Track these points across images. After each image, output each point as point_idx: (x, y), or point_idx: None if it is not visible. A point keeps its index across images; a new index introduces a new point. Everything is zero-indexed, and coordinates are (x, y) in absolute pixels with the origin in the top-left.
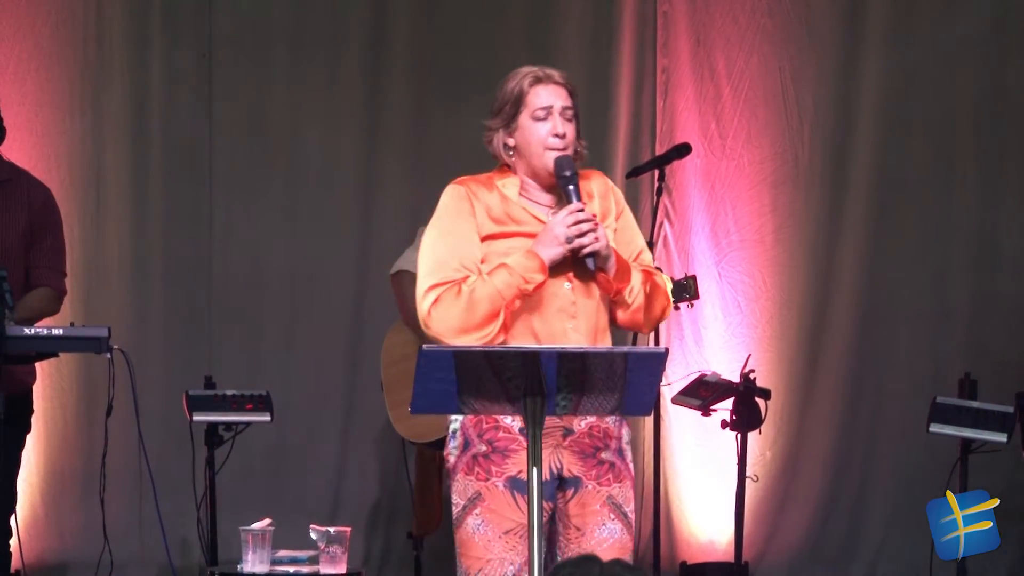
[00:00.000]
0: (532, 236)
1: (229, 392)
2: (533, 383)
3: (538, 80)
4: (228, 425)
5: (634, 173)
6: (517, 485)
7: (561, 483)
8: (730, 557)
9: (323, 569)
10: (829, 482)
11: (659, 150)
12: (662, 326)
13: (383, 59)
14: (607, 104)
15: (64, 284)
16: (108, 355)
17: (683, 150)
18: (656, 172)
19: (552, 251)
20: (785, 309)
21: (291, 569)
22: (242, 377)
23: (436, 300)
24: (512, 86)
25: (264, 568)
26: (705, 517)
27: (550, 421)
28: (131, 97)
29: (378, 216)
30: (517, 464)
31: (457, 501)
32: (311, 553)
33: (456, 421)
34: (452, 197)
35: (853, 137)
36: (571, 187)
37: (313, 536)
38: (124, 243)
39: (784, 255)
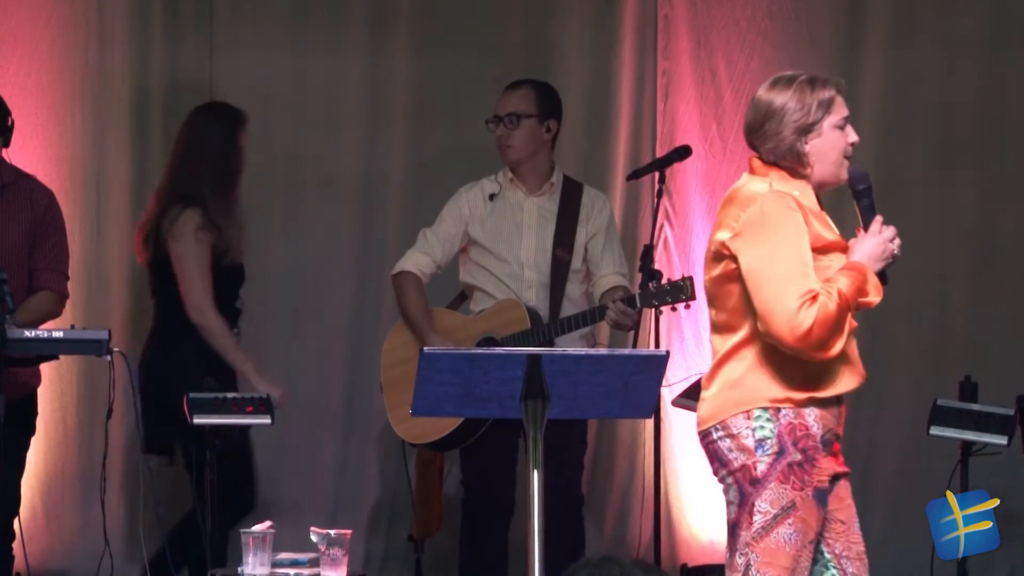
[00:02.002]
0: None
1: (230, 395)
2: (535, 385)
3: (840, 90)
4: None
5: (634, 175)
6: (820, 495)
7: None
8: None
9: (324, 572)
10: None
11: (659, 152)
12: (662, 328)
13: (383, 67)
14: (608, 107)
15: (66, 287)
16: (108, 357)
17: (683, 152)
18: (656, 174)
19: (877, 268)
20: None
21: (291, 572)
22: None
23: (812, 310)
24: (824, 94)
25: (265, 571)
26: (706, 519)
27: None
28: (132, 99)
29: (380, 216)
30: (820, 473)
31: (768, 510)
32: (312, 555)
33: (765, 428)
34: (787, 208)
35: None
36: (867, 201)
37: (313, 539)
38: (124, 246)
39: None
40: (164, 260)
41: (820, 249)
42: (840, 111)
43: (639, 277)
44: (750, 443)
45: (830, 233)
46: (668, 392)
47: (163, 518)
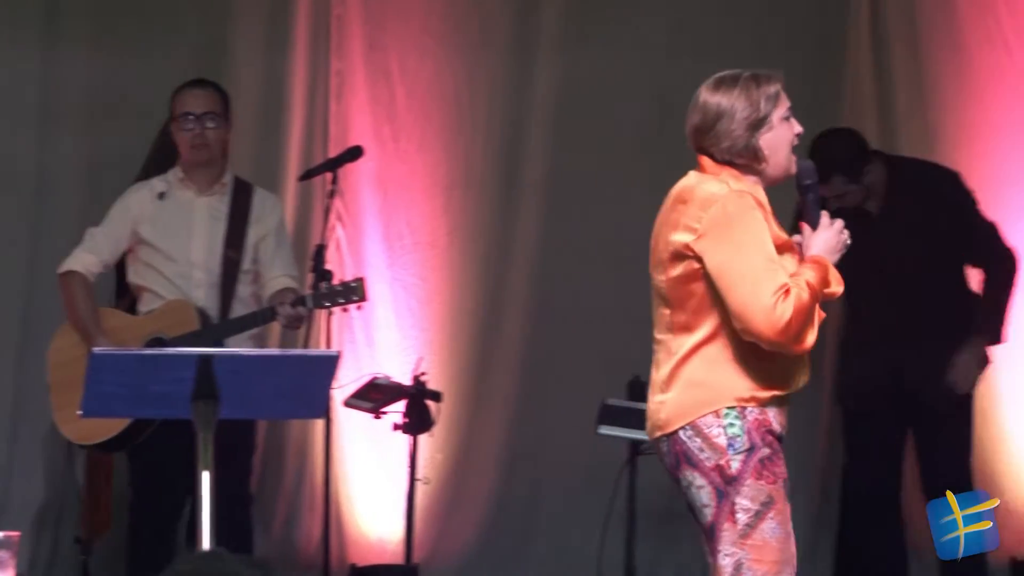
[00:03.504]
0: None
1: None
2: (205, 386)
3: (781, 82)
4: None
5: (306, 176)
6: (785, 488)
7: None
8: (401, 559)
9: None
10: (500, 484)
11: (332, 153)
12: (333, 328)
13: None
14: (280, 107)
15: None
16: None
17: (355, 153)
18: (329, 175)
19: (833, 260)
20: (457, 312)
21: None
22: None
23: (787, 303)
24: (770, 89)
25: None
26: (376, 520)
27: None
28: None
29: (52, 216)
30: (783, 468)
31: (750, 507)
32: None
33: (735, 425)
34: (749, 207)
35: (526, 140)
36: (813, 195)
37: None
38: None
39: (457, 258)
40: None
41: (777, 248)
42: (785, 103)
43: (310, 277)
44: (722, 441)
45: (782, 232)
46: (339, 393)
47: None
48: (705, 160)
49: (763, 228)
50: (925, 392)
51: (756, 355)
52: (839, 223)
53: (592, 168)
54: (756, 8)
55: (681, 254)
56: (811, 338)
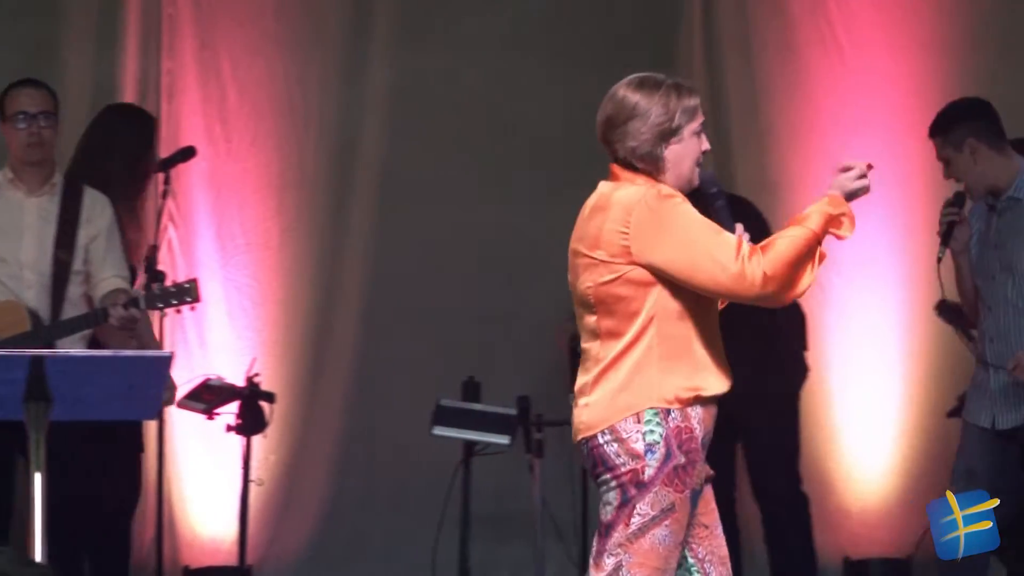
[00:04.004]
0: None
1: None
2: (37, 387)
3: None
4: None
5: None
6: (694, 496)
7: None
8: (234, 560)
9: None
10: (333, 484)
11: (164, 153)
12: (166, 329)
13: None
14: None
15: None
16: None
17: (187, 153)
18: (161, 176)
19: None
20: (290, 312)
21: None
22: None
23: (755, 259)
24: (689, 102)
25: None
26: (210, 521)
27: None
28: None
29: None
30: (698, 475)
31: (648, 512)
32: None
33: (655, 432)
34: (669, 195)
35: (359, 140)
36: (722, 202)
37: None
38: None
39: (290, 258)
40: None
41: None
42: (699, 118)
43: (142, 278)
44: (639, 447)
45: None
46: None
47: None
48: (616, 168)
49: (688, 208)
50: (749, 396)
51: (680, 358)
52: (851, 170)
53: (426, 167)
54: (588, 8)
55: (607, 260)
56: (805, 281)
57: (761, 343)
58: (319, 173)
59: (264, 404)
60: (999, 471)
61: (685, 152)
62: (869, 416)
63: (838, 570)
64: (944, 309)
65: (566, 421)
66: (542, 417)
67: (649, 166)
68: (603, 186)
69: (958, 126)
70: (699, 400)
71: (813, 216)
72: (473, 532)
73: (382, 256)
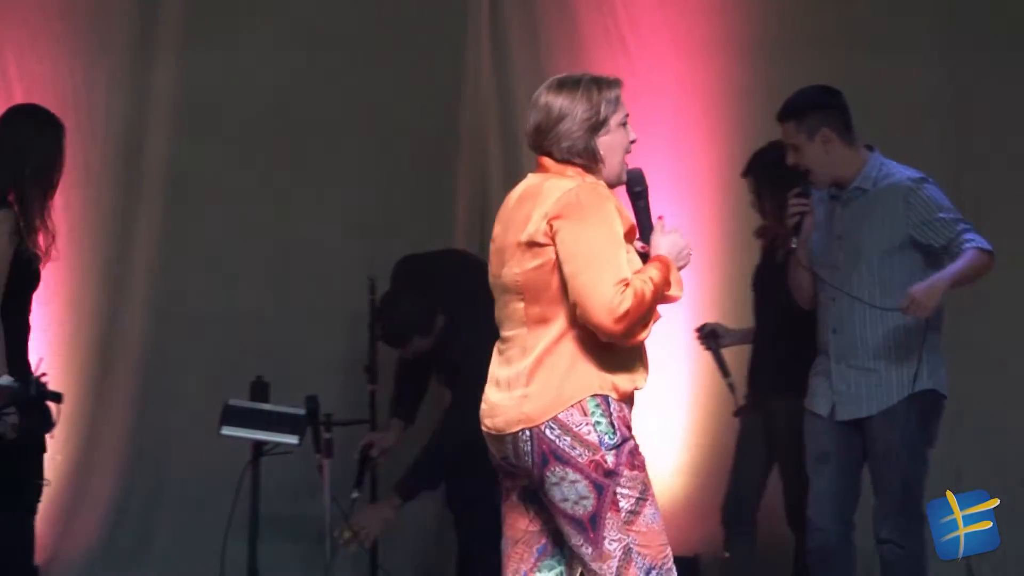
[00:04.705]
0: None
1: None
2: None
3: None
4: None
5: None
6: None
7: None
8: None
9: None
10: (122, 484)
11: None
12: None
13: None
14: None
15: None
16: None
17: None
18: None
19: (679, 266)
20: (78, 312)
21: None
22: None
23: (627, 294)
24: (610, 93)
25: None
26: None
27: None
28: None
29: None
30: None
31: (630, 495)
32: None
33: (602, 422)
34: (603, 197)
35: (146, 141)
36: (644, 202)
37: None
38: None
39: (77, 258)
40: None
41: (626, 234)
42: (623, 109)
43: None
44: (593, 438)
45: (631, 217)
46: None
47: None
48: (547, 161)
49: (615, 218)
50: None
51: (612, 350)
52: (679, 231)
53: (214, 167)
54: (375, 5)
55: (536, 243)
56: (644, 334)
57: None
58: (106, 172)
59: (51, 404)
60: (846, 447)
61: (614, 143)
62: (655, 416)
63: None
64: (705, 335)
65: (355, 420)
66: (331, 417)
67: (587, 160)
68: (532, 177)
69: (813, 113)
70: (626, 397)
71: (651, 271)
72: (263, 532)
73: (170, 256)
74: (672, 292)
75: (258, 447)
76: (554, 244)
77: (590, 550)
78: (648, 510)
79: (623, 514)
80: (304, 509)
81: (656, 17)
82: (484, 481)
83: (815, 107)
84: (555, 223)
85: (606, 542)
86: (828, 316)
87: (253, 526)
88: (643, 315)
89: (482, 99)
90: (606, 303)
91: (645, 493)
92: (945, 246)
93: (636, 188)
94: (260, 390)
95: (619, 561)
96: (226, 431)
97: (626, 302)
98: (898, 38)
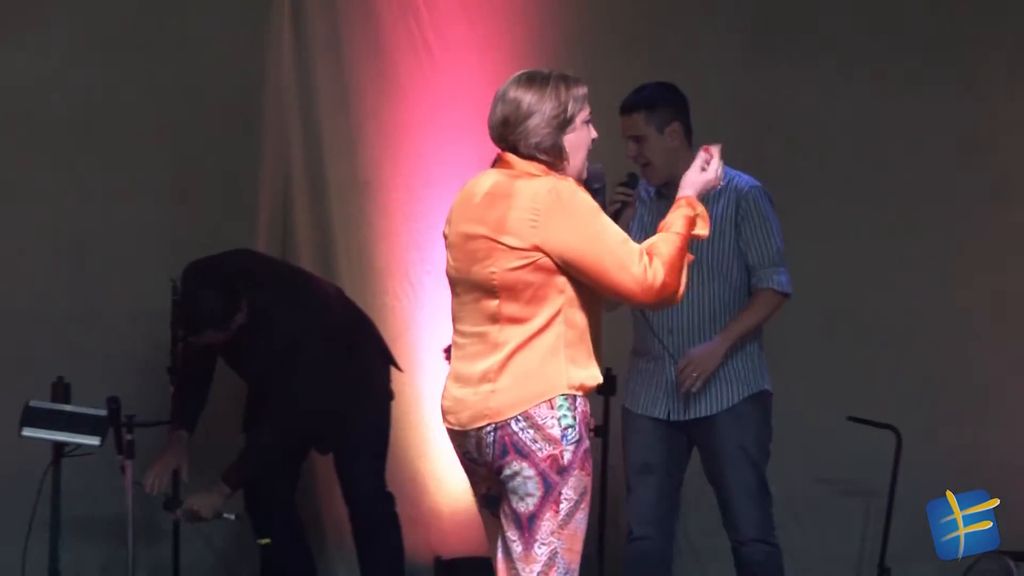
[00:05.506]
0: None
1: None
2: None
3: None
4: None
5: None
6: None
7: None
8: None
9: None
10: None
11: None
12: None
13: None
14: None
15: None
16: None
17: None
18: None
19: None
20: None
21: None
22: None
23: (655, 265)
24: (578, 91)
25: None
26: None
27: None
28: None
29: None
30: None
31: (571, 497)
32: None
33: (568, 416)
34: (576, 188)
35: None
36: (601, 199)
37: None
38: None
39: None
40: None
41: None
42: (587, 107)
43: None
44: (556, 432)
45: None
46: None
47: None
48: (510, 156)
49: (596, 205)
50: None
51: (580, 346)
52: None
53: (7, 168)
54: (175, 10)
55: (519, 248)
56: (684, 286)
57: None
58: None
59: None
60: (670, 455)
61: (578, 141)
62: None
63: (429, 570)
64: None
65: (158, 422)
66: (133, 418)
67: (552, 157)
68: (496, 174)
69: (666, 107)
70: (591, 390)
71: (677, 222)
72: (64, 535)
73: None
74: (698, 231)
75: (59, 448)
76: (542, 248)
77: (520, 548)
78: (580, 515)
79: (560, 516)
80: (106, 511)
81: (458, 20)
82: (286, 481)
83: (667, 101)
84: (544, 231)
85: (536, 545)
86: (662, 317)
87: (54, 528)
88: (678, 274)
89: (284, 103)
90: (638, 284)
91: (583, 497)
92: (753, 267)
93: (595, 185)
94: (61, 391)
95: (543, 566)
96: (27, 432)
97: (659, 273)
98: (701, 42)
